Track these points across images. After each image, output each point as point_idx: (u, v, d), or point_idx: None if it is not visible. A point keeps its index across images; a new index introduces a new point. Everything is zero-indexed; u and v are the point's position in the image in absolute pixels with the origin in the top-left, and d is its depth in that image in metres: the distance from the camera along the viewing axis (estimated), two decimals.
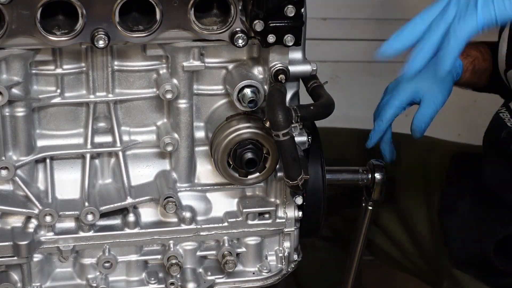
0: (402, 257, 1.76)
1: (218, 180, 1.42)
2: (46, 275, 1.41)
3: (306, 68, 1.37)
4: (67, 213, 1.36)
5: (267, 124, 1.31)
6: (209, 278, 1.44)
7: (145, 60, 1.35)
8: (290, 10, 1.26)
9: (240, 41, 1.29)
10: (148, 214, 1.41)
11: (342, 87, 2.84)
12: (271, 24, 1.27)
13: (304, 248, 1.51)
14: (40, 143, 1.37)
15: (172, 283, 1.41)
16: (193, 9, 1.27)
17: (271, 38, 1.28)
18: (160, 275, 1.43)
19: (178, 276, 1.42)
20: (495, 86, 1.66)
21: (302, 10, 1.27)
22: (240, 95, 1.33)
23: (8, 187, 1.37)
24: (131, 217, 1.39)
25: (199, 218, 1.42)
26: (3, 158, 1.34)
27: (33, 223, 1.37)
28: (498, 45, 1.55)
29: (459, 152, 1.75)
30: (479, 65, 1.65)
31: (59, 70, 1.33)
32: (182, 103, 1.36)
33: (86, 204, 1.36)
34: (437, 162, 1.75)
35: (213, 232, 1.42)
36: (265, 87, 1.35)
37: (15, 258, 1.35)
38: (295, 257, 1.48)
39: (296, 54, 1.35)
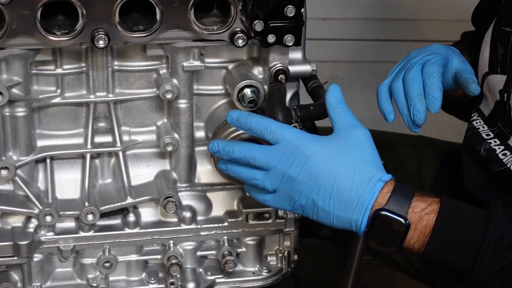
0: (400, 257, 1.76)
1: (218, 180, 1.42)
2: (46, 275, 1.41)
3: (306, 68, 1.37)
4: (67, 213, 1.37)
5: None
6: (209, 278, 1.44)
7: (145, 60, 1.36)
8: (290, 10, 1.26)
9: (240, 41, 1.29)
10: (148, 214, 1.42)
11: (342, 87, 2.84)
12: (271, 24, 1.27)
13: (304, 248, 1.51)
14: (40, 143, 1.37)
15: (172, 283, 1.41)
16: (193, 9, 1.27)
17: (271, 38, 1.28)
18: (160, 275, 1.43)
19: (178, 276, 1.42)
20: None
21: (302, 10, 1.27)
22: (240, 95, 1.33)
23: (8, 187, 1.37)
24: (131, 217, 1.39)
25: (199, 218, 1.42)
26: (3, 158, 1.34)
27: (33, 223, 1.37)
28: (480, 48, 1.54)
29: (448, 154, 1.74)
30: None
31: (59, 70, 1.33)
32: (182, 103, 1.36)
33: (86, 204, 1.36)
34: (434, 162, 1.75)
35: (213, 232, 1.42)
36: (265, 87, 1.35)
37: (15, 258, 1.35)
38: (295, 257, 1.48)
39: (296, 54, 1.35)
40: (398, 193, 1.19)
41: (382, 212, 1.18)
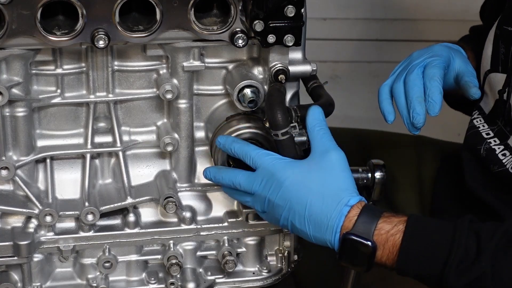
0: None
1: None
2: (46, 275, 1.41)
3: (306, 68, 1.37)
4: (67, 213, 1.37)
5: (267, 124, 1.31)
6: (209, 278, 1.44)
7: (145, 60, 1.36)
8: (290, 10, 1.26)
9: (240, 41, 1.29)
10: (148, 214, 1.41)
11: (342, 87, 2.85)
12: (271, 24, 1.27)
13: (304, 248, 1.51)
14: (40, 143, 1.37)
15: (172, 283, 1.41)
16: (193, 9, 1.27)
17: (271, 38, 1.28)
18: (160, 275, 1.43)
19: (178, 276, 1.42)
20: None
21: (302, 10, 1.27)
22: (240, 95, 1.33)
23: (8, 187, 1.37)
24: (131, 217, 1.39)
25: (199, 218, 1.42)
26: (3, 158, 1.34)
27: (33, 223, 1.37)
28: (484, 45, 1.54)
29: (449, 153, 1.74)
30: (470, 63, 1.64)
31: (59, 70, 1.33)
32: (182, 103, 1.36)
33: (86, 204, 1.36)
34: (434, 162, 1.75)
35: (213, 232, 1.42)
36: (265, 87, 1.35)
37: (16, 258, 1.35)
38: (295, 257, 1.48)
39: (296, 54, 1.35)
40: (365, 216, 1.24)
41: (349, 236, 1.23)
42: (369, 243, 1.23)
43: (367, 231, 1.23)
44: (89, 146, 1.37)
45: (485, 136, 1.50)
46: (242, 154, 1.30)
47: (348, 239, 1.23)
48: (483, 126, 1.51)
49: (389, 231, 1.24)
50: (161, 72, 1.36)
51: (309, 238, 1.27)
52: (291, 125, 1.31)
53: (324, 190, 1.25)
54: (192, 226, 1.41)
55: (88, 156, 1.37)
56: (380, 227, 1.24)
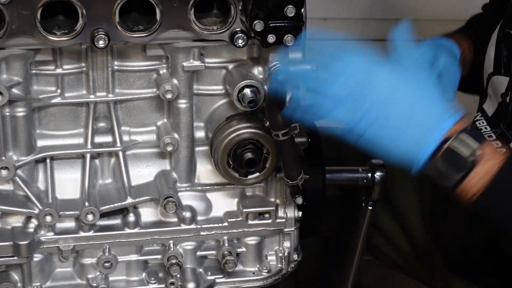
0: (399, 257, 1.76)
1: (218, 180, 1.42)
2: (46, 275, 1.41)
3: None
4: (67, 213, 1.37)
5: (267, 124, 1.31)
6: (209, 278, 1.44)
7: (145, 60, 1.36)
8: (290, 10, 1.26)
9: (240, 41, 1.29)
10: (148, 214, 1.41)
11: None
12: (271, 24, 1.27)
13: (304, 247, 1.51)
14: (40, 143, 1.37)
15: (172, 283, 1.41)
16: (193, 9, 1.27)
17: (271, 38, 1.28)
18: (160, 275, 1.43)
19: (178, 276, 1.42)
20: (474, 80, 1.64)
21: (302, 10, 1.27)
22: (240, 95, 1.33)
23: (8, 187, 1.37)
24: (131, 217, 1.39)
25: (199, 218, 1.42)
26: (3, 158, 1.34)
27: (33, 223, 1.37)
28: (487, 48, 1.55)
29: None
30: (466, 55, 1.65)
31: (59, 70, 1.33)
32: (182, 103, 1.36)
33: (86, 204, 1.36)
34: None
35: (213, 232, 1.42)
36: (265, 87, 1.35)
37: (15, 258, 1.35)
38: (295, 257, 1.48)
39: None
40: (472, 129, 1.20)
41: (461, 135, 1.16)
42: (477, 144, 1.16)
43: (474, 140, 1.17)
44: (89, 146, 1.37)
45: (487, 138, 1.50)
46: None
47: (456, 139, 1.16)
48: (486, 128, 1.51)
49: (494, 150, 1.18)
50: (161, 72, 1.36)
51: (393, 140, 1.19)
52: (292, 125, 1.30)
53: (433, 92, 1.20)
54: (192, 226, 1.41)
55: (88, 156, 1.37)
56: (487, 143, 1.18)
